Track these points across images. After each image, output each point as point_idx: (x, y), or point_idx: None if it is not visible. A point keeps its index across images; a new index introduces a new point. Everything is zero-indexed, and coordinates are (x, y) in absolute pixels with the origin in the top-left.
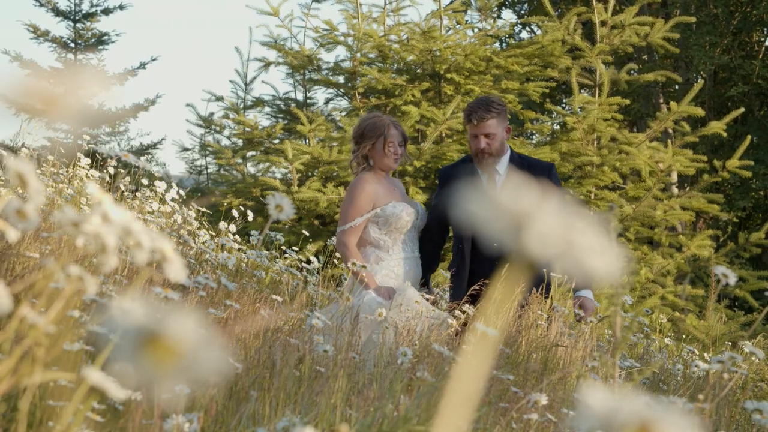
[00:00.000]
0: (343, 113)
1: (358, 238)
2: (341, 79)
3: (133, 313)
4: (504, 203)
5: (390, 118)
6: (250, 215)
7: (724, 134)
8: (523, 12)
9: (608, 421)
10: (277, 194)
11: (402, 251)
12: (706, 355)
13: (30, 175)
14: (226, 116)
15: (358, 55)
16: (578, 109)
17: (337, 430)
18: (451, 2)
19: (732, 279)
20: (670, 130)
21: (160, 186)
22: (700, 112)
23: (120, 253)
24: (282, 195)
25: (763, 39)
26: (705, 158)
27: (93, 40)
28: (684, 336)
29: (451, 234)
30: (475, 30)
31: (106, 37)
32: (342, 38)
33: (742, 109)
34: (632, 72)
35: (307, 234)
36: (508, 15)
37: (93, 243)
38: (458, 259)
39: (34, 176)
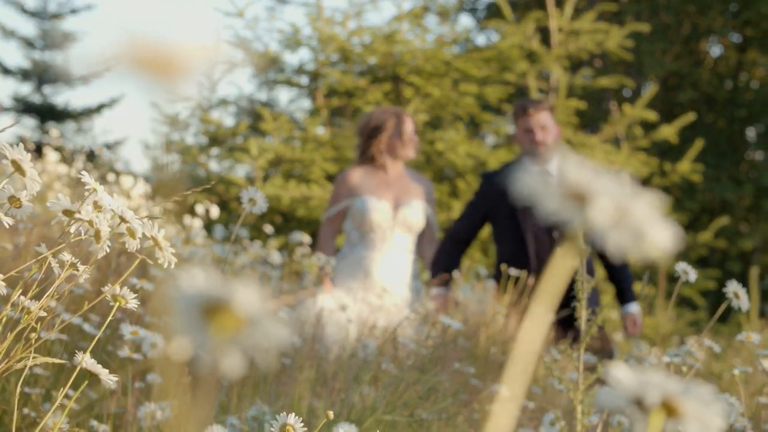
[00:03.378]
0: (306, 113)
1: (337, 228)
2: (304, 80)
3: (197, 282)
4: (569, 179)
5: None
6: (214, 212)
7: (675, 140)
8: (479, 18)
9: (638, 397)
10: (251, 188)
11: (365, 249)
12: (654, 350)
13: (26, 163)
14: (192, 115)
15: (322, 57)
16: None
17: (326, 416)
18: (412, 8)
19: (692, 276)
20: (620, 135)
21: (127, 182)
22: (653, 116)
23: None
24: (255, 189)
25: (710, 47)
26: (657, 161)
27: (59, 39)
28: None
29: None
30: (434, 34)
31: (72, 36)
32: (306, 40)
33: (694, 116)
34: (586, 77)
35: (270, 230)
36: (465, 20)
37: (87, 230)
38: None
39: (30, 164)
